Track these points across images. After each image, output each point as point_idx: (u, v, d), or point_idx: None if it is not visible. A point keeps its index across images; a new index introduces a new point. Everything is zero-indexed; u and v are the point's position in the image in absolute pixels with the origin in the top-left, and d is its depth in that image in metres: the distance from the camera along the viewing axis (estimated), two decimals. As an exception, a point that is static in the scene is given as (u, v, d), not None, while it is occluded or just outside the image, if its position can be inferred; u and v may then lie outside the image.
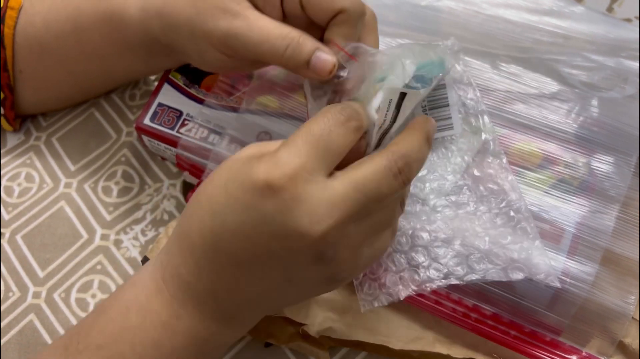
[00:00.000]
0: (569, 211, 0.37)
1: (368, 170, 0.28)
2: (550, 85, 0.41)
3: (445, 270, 0.35)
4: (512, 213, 0.36)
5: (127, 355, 0.30)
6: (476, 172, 0.37)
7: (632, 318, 0.35)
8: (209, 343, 0.31)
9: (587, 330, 0.36)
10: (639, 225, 0.37)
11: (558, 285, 0.34)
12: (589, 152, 0.39)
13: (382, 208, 0.29)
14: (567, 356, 0.35)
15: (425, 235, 0.36)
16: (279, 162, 0.27)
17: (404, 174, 0.28)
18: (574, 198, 0.37)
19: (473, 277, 0.35)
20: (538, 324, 0.36)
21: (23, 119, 0.52)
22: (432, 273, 0.35)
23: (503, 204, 0.36)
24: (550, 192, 0.38)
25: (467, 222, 0.35)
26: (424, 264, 0.35)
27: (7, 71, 0.47)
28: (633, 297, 0.35)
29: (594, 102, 0.40)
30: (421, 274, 0.35)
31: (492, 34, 0.44)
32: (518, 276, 0.34)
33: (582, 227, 0.37)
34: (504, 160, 0.37)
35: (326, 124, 0.28)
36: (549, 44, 0.43)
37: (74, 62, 0.46)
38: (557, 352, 0.36)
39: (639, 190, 0.38)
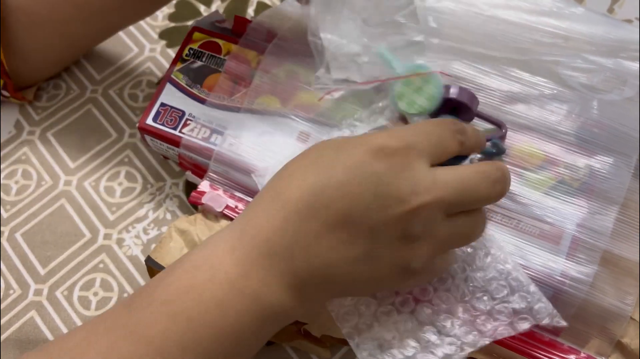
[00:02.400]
0: (568, 212, 0.37)
1: (470, 169, 0.30)
2: (550, 87, 0.41)
3: (459, 342, 0.34)
4: (499, 266, 0.36)
5: (191, 312, 0.29)
6: None
7: (631, 318, 0.36)
8: (271, 312, 0.30)
9: (585, 330, 0.36)
10: (638, 226, 0.37)
11: (565, 324, 0.34)
12: (589, 153, 0.39)
13: (473, 213, 0.31)
14: (565, 356, 0.36)
15: (427, 310, 0.35)
16: (395, 134, 0.30)
17: (501, 184, 0.31)
18: (573, 199, 0.38)
19: (486, 341, 0.34)
20: (536, 325, 0.36)
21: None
22: (448, 349, 0.34)
23: (488, 259, 0.36)
24: (550, 193, 0.38)
25: (461, 285, 0.36)
26: (436, 342, 0.35)
27: None
28: (631, 298, 0.35)
29: (594, 103, 0.40)
30: (438, 353, 0.34)
31: (492, 35, 0.44)
32: (525, 326, 0.34)
33: (582, 228, 0.37)
34: None
35: (439, 127, 0.31)
36: (549, 45, 0.43)
37: (70, 25, 0.47)
38: (556, 352, 0.36)
39: (638, 191, 0.38)
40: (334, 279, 0.30)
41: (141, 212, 0.47)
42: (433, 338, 0.35)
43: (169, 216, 0.47)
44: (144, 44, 0.55)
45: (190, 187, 0.48)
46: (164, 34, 0.56)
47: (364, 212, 0.29)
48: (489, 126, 0.39)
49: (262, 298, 0.30)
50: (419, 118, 0.38)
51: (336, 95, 0.41)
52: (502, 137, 0.39)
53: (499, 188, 0.31)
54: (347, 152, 0.30)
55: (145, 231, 0.47)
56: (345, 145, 0.30)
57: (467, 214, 0.31)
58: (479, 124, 0.40)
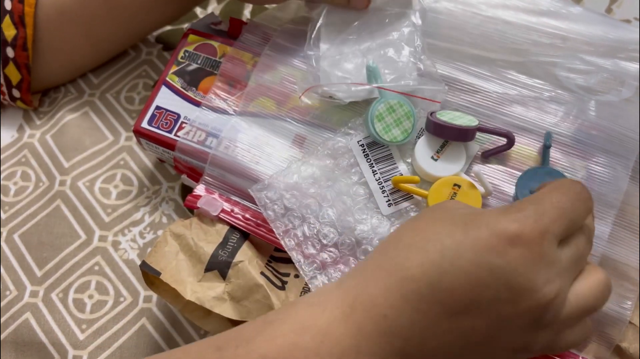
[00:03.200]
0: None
1: (584, 240, 0.30)
2: (548, 89, 0.40)
3: None
4: None
5: None
6: None
7: (630, 322, 0.35)
8: None
9: None
10: (636, 230, 0.36)
11: None
12: (587, 155, 0.39)
13: (587, 274, 0.31)
14: (563, 360, 0.35)
15: None
16: (530, 217, 0.28)
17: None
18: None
19: None
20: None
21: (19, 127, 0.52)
22: None
23: None
24: (548, 196, 0.38)
25: None
26: None
27: (26, 50, 0.47)
28: (630, 302, 0.35)
29: (592, 105, 0.40)
30: None
31: (489, 35, 0.44)
32: None
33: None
34: None
35: (575, 202, 0.29)
36: (546, 46, 0.43)
37: (98, 25, 0.48)
38: (554, 357, 0.35)
39: (637, 194, 0.37)
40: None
41: (137, 215, 0.47)
42: None
43: (165, 219, 0.47)
44: (140, 47, 0.55)
45: (186, 191, 0.48)
46: (160, 37, 0.56)
47: (492, 302, 0.27)
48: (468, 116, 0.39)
49: None
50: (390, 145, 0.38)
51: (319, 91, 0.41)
52: (509, 146, 0.38)
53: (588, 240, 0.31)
54: (477, 233, 0.28)
55: (141, 234, 0.47)
56: (473, 222, 0.28)
57: (587, 276, 0.30)
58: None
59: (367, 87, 0.39)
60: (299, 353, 0.28)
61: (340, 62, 0.41)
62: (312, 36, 0.42)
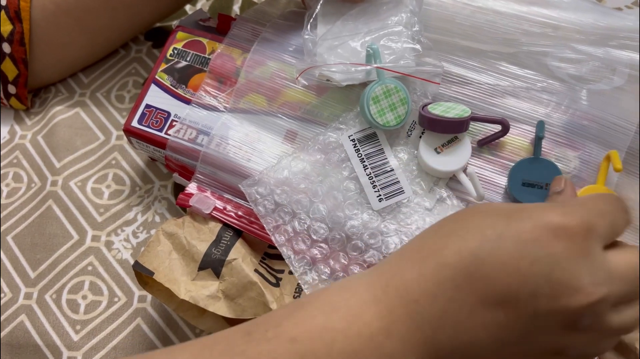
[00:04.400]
0: (559, 206, 0.37)
1: (635, 258, 0.28)
2: (539, 80, 0.40)
3: None
4: None
5: (320, 356, 0.27)
6: None
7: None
8: None
9: None
10: (633, 223, 0.36)
11: None
12: (579, 145, 0.38)
13: (635, 302, 0.28)
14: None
15: None
16: (573, 213, 0.27)
17: None
18: (564, 192, 0.37)
19: None
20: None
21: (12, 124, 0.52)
22: None
23: None
24: (540, 187, 0.38)
25: None
26: None
27: (23, 45, 0.47)
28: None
29: (583, 94, 0.40)
30: None
31: (480, 26, 0.43)
32: None
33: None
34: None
35: (613, 206, 0.28)
36: (537, 35, 0.43)
37: (93, 17, 0.47)
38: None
39: (628, 184, 0.37)
40: (475, 358, 0.27)
41: (130, 215, 0.47)
42: None
43: (157, 219, 0.47)
44: (130, 45, 0.55)
45: (179, 189, 0.48)
46: (149, 35, 0.55)
47: (531, 295, 0.26)
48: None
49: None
50: (378, 130, 0.38)
51: (316, 73, 0.40)
52: (504, 133, 0.38)
53: None
54: (521, 224, 0.27)
55: (134, 234, 0.46)
56: (517, 214, 0.27)
57: (630, 305, 0.28)
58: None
59: (366, 67, 0.39)
60: (327, 333, 0.27)
61: (338, 47, 0.41)
62: (310, 21, 0.42)
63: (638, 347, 0.34)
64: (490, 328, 0.26)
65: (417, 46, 0.40)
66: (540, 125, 0.37)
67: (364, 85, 0.40)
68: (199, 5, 0.57)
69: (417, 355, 0.27)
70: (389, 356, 0.27)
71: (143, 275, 0.39)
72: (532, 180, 0.36)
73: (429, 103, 0.39)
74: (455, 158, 0.37)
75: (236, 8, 0.57)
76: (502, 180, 0.38)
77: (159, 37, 0.55)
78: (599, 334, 0.27)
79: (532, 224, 0.26)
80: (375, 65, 0.38)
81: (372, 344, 0.27)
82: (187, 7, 0.57)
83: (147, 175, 0.49)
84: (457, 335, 0.27)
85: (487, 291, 0.26)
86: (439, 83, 0.40)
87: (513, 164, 0.38)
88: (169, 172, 0.46)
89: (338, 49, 0.41)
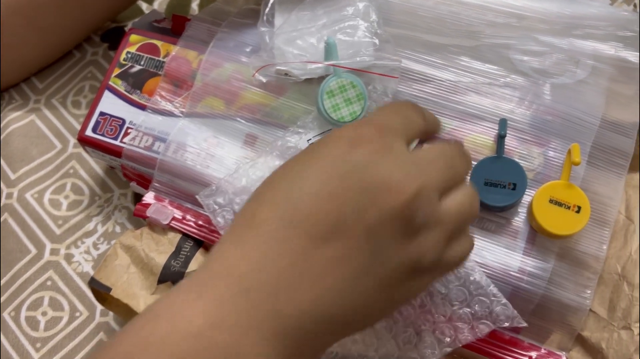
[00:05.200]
0: (525, 205, 0.36)
1: (442, 146, 0.29)
2: (502, 75, 0.39)
3: (417, 357, 0.34)
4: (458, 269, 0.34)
5: None
6: None
7: (590, 310, 0.35)
8: None
9: (545, 326, 0.35)
10: (599, 218, 0.36)
11: (524, 324, 0.34)
12: (543, 141, 0.37)
13: (462, 188, 0.28)
14: (526, 353, 0.35)
15: (384, 322, 0.34)
16: (366, 120, 0.28)
17: (467, 155, 0.30)
18: (530, 191, 0.36)
19: (447, 350, 0.34)
20: (496, 323, 0.35)
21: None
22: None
23: None
24: (505, 186, 0.37)
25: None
26: (396, 355, 0.34)
27: None
28: (589, 291, 0.34)
29: (546, 89, 0.39)
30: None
31: (443, 18, 0.42)
32: (485, 330, 0.34)
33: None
34: None
35: (403, 105, 0.31)
36: (501, 26, 0.42)
37: (44, 15, 0.46)
38: (516, 350, 0.35)
39: (594, 179, 0.36)
40: (336, 310, 0.24)
41: (90, 226, 0.46)
42: (393, 350, 0.34)
43: (118, 229, 0.45)
44: (85, 47, 0.53)
45: (139, 197, 0.46)
46: (105, 36, 0.53)
47: (355, 212, 0.24)
48: None
49: (240, 352, 0.23)
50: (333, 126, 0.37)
51: (273, 70, 0.39)
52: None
53: (469, 159, 0.30)
54: (319, 151, 0.26)
55: (95, 245, 0.45)
56: (316, 145, 0.27)
57: (457, 189, 0.28)
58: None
59: (323, 65, 0.38)
60: (153, 346, 0.23)
61: (296, 39, 0.40)
62: (266, 12, 0.41)
63: (604, 347, 0.34)
64: (333, 268, 0.24)
65: (375, 39, 0.39)
66: (502, 123, 0.37)
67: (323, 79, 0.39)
68: (156, 4, 0.55)
69: (263, 335, 0.23)
70: (227, 351, 0.23)
71: (100, 292, 0.38)
72: (495, 179, 0.35)
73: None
74: None
75: (195, 6, 0.55)
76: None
77: (115, 39, 0.53)
78: (440, 228, 0.26)
79: (329, 146, 0.26)
80: (329, 63, 0.37)
81: (202, 341, 0.23)
82: (144, 7, 0.55)
83: (107, 184, 0.47)
84: (302, 294, 0.23)
85: (312, 228, 0.24)
86: (397, 77, 0.39)
87: (475, 163, 0.37)
88: (127, 180, 0.45)
89: (297, 41, 0.40)
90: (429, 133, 0.32)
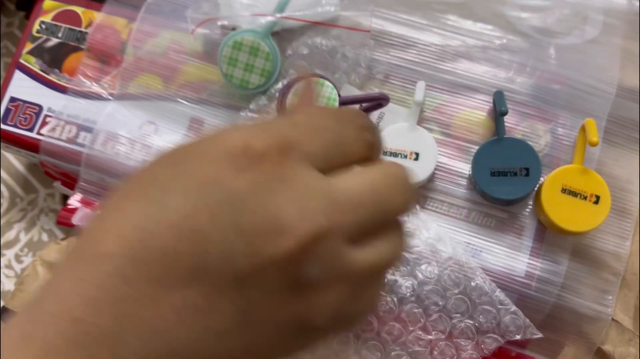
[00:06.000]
0: (531, 195, 0.30)
1: (376, 172, 0.21)
2: (497, 36, 0.33)
3: None
4: (454, 273, 0.29)
5: None
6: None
7: (612, 319, 0.29)
8: None
9: (557, 339, 0.30)
10: (620, 207, 0.30)
11: (540, 335, 0.29)
12: (550, 116, 0.32)
13: (389, 229, 0.22)
14: (536, 372, 0.29)
15: (371, 343, 0.30)
16: (266, 128, 0.20)
17: (412, 188, 0.22)
18: (535, 176, 0.30)
19: None
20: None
21: None
22: None
23: (437, 265, 0.30)
24: (506, 172, 0.31)
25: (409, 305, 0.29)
26: None
27: None
28: (610, 297, 0.29)
29: (551, 51, 0.32)
30: None
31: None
32: (493, 346, 0.29)
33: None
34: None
35: (338, 121, 0.22)
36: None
37: None
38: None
39: (612, 160, 0.30)
40: None
41: (10, 234, 0.39)
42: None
43: (45, 237, 0.39)
44: (-3, 16, 0.45)
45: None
46: (21, 3, 0.45)
47: (223, 258, 0.19)
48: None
49: None
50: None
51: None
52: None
53: (412, 193, 0.22)
54: (192, 164, 0.20)
55: (17, 258, 0.38)
56: (190, 151, 0.20)
57: (381, 235, 0.21)
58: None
59: (274, 18, 0.32)
60: None
61: None
62: None
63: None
64: (189, 318, 0.19)
65: None
66: (500, 97, 0.30)
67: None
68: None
69: None
70: None
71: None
72: (502, 167, 0.29)
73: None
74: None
75: (128, -37, 0.47)
76: (462, 167, 0.31)
77: (33, 6, 0.45)
78: (344, 284, 0.20)
79: (205, 158, 0.20)
80: (282, 16, 0.31)
81: None
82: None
83: (30, 183, 0.40)
84: (149, 345, 0.19)
85: (166, 270, 0.19)
86: (369, 32, 0.33)
87: (471, 145, 0.31)
88: (51, 179, 0.37)
89: None
90: (374, 159, 0.23)
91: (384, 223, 0.21)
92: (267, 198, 0.19)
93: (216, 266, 0.19)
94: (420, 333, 0.29)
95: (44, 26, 0.37)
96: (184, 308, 0.19)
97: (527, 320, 0.28)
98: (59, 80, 0.36)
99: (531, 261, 0.29)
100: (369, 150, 0.22)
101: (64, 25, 0.37)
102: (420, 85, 0.31)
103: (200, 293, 0.19)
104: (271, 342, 0.20)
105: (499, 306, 0.28)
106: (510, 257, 0.30)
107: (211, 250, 0.19)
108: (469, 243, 0.30)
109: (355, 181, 0.21)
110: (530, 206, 0.30)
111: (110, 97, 0.36)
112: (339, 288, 0.20)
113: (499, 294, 0.29)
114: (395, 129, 0.31)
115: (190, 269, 0.19)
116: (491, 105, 0.32)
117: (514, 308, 0.28)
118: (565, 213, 0.28)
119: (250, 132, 0.20)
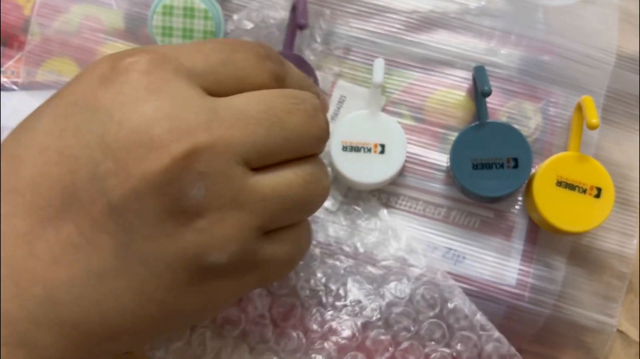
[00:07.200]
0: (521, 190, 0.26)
1: (275, 93, 0.19)
2: (475, -2, 0.28)
3: None
4: (426, 292, 0.25)
5: None
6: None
7: (618, 330, 0.25)
8: None
9: (552, 354, 0.26)
10: (623, 199, 0.26)
11: None
12: (541, 94, 0.27)
13: (306, 163, 0.20)
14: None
15: None
16: (141, 48, 0.19)
17: (321, 113, 0.20)
18: (523, 165, 0.26)
19: None
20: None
21: None
22: None
23: (403, 280, 0.25)
24: (489, 162, 0.26)
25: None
26: None
27: None
28: (614, 304, 0.25)
29: (539, 15, 0.28)
30: None
31: None
32: None
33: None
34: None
35: (232, 45, 0.20)
36: None
37: None
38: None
39: (610, 143, 0.26)
40: (77, 314, 0.17)
41: None
42: None
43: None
44: None
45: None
46: None
47: (94, 178, 0.17)
48: None
49: None
50: None
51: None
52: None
53: (319, 117, 0.20)
54: (65, 89, 0.19)
55: None
56: (69, 81, 0.19)
57: (293, 164, 0.19)
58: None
59: None
60: None
61: None
62: None
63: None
64: (65, 258, 0.17)
65: None
66: (481, 73, 0.25)
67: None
68: None
69: None
70: None
71: None
72: (485, 157, 0.24)
73: None
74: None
75: None
76: (438, 158, 0.26)
77: None
78: (245, 212, 0.18)
79: (78, 82, 0.19)
80: None
81: None
82: None
83: None
84: (26, 292, 0.17)
85: (38, 201, 0.18)
86: None
87: (448, 132, 0.26)
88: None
89: None
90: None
91: (290, 151, 0.19)
92: (134, 109, 0.17)
93: (87, 191, 0.17)
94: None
95: None
96: (59, 246, 0.17)
97: (513, 348, 0.24)
98: (-50, 68, 0.30)
99: (523, 268, 0.25)
100: (276, 81, 0.20)
101: (-49, -1, 0.31)
102: (379, 63, 0.26)
103: (75, 227, 0.17)
104: (163, 283, 0.17)
105: (481, 332, 0.24)
106: (498, 263, 0.25)
107: (80, 172, 0.17)
108: (450, 249, 0.26)
109: (247, 99, 0.19)
110: (520, 203, 0.26)
111: (15, 87, 0.30)
112: (238, 216, 0.18)
113: (480, 317, 0.25)
114: (354, 118, 0.26)
115: (61, 196, 0.17)
116: (471, 83, 0.27)
117: (497, 334, 0.24)
118: (562, 210, 0.24)
119: (123, 52, 0.19)
